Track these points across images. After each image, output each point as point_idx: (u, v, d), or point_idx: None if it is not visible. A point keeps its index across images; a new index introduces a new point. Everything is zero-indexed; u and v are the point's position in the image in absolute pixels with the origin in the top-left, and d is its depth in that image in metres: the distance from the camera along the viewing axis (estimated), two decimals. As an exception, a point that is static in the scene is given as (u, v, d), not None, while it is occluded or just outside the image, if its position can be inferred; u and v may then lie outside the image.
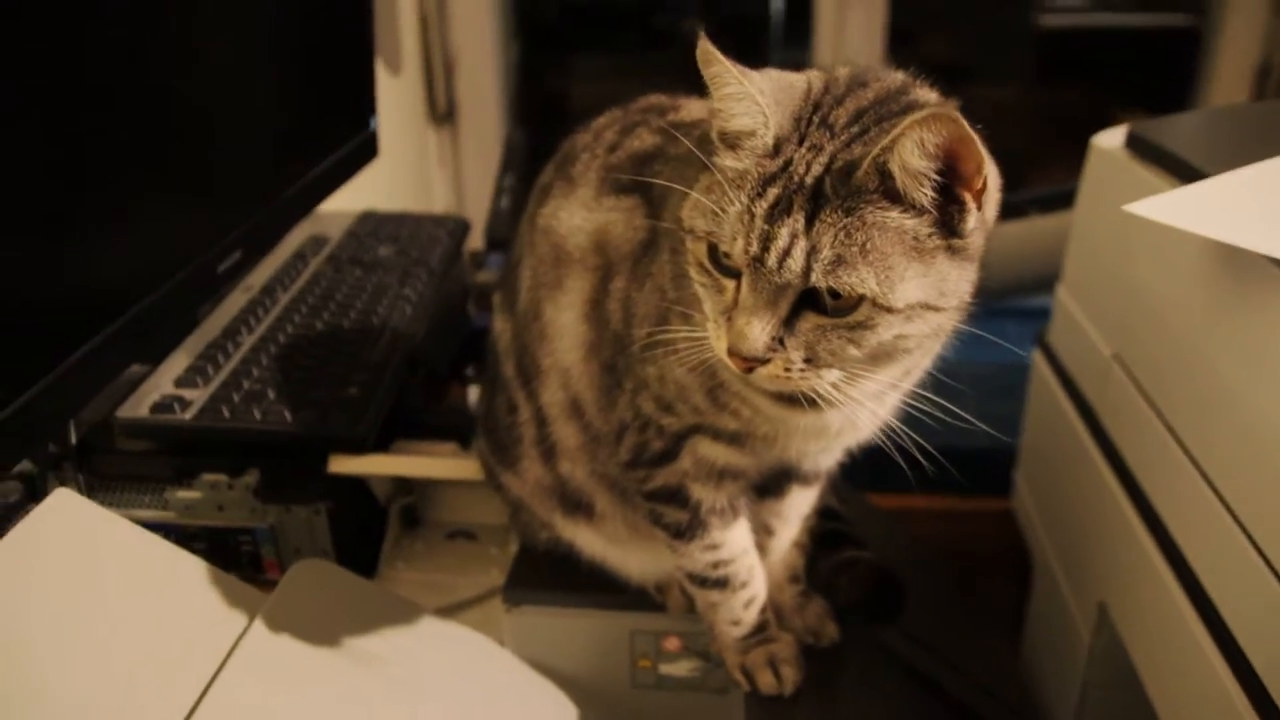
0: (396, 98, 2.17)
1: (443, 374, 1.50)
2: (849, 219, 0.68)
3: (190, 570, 1.01)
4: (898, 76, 0.76)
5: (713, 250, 0.74)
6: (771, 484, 1.01)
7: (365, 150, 1.61)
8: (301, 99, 1.45)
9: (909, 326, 0.71)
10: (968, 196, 0.69)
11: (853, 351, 0.72)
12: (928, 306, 0.71)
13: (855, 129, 0.71)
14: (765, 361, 0.72)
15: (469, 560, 1.34)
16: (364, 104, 1.60)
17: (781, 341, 0.72)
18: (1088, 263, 1.17)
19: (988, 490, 1.45)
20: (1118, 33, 2.59)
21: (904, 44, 2.35)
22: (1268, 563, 0.79)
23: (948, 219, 0.70)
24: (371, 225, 1.64)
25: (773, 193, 0.70)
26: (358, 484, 1.29)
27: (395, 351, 1.32)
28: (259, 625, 0.98)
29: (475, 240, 1.80)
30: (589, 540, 1.07)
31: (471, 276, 1.72)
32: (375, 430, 1.20)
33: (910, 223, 0.69)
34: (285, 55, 1.38)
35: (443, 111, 2.40)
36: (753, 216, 0.71)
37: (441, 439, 1.35)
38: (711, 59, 0.71)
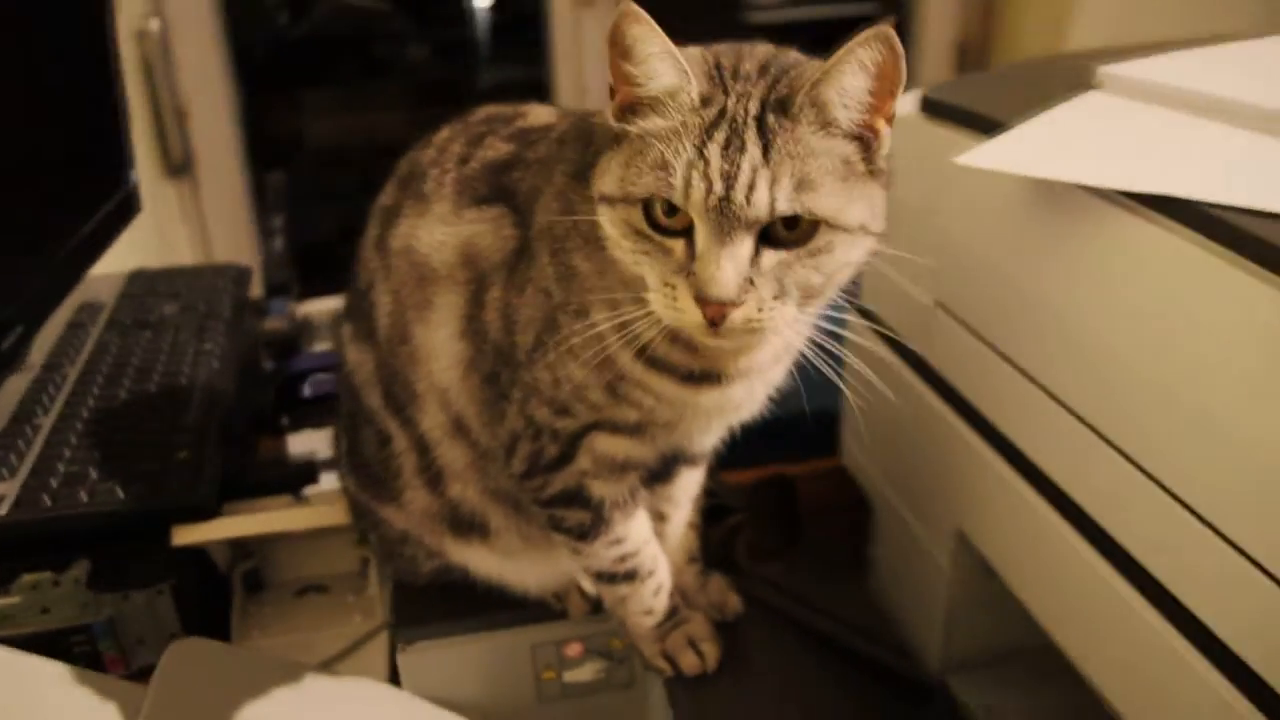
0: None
1: (255, 425, 1.43)
2: (798, 146, 0.71)
3: (54, 678, 0.92)
4: (762, 45, 0.80)
5: (648, 213, 0.74)
6: (660, 470, 1.02)
7: (128, 206, 1.50)
8: (53, 156, 1.33)
9: (853, 250, 0.75)
10: (882, 122, 0.74)
11: (816, 279, 0.75)
12: (865, 229, 0.75)
13: (769, 76, 0.74)
14: (738, 305, 0.72)
15: (326, 613, 1.28)
16: (121, 157, 1.50)
17: (751, 281, 0.72)
18: (892, 227, 1.26)
19: (815, 453, 1.52)
20: (821, 24, 2.78)
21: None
22: (1113, 446, 0.89)
23: (868, 144, 0.74)
24: (145, 284, 1.53)
25: (720, 135, 0.71)
26: (198, 556, 1.21)
27: (213, 409, 1.25)
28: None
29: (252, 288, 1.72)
30: (483, 560, 1.05)
31: (256, 325, 1.64)
32: (216, 492, 1.13)
33: (845, 147, 0.73)
34: (29, 110, 1.27)
35: (179, 163, 2.26)
36: (706, 161, 0.71)
37: (271, 494, 1.28)
38: (639, 18, 0.71)
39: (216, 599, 1.26)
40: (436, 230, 0.93)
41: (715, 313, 0.72)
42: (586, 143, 0.85)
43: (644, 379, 0.85)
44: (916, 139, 1.17)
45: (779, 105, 0.72)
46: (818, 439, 1.52)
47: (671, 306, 0.74)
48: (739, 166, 0.70)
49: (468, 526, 1.02)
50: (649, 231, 0.74)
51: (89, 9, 1.44)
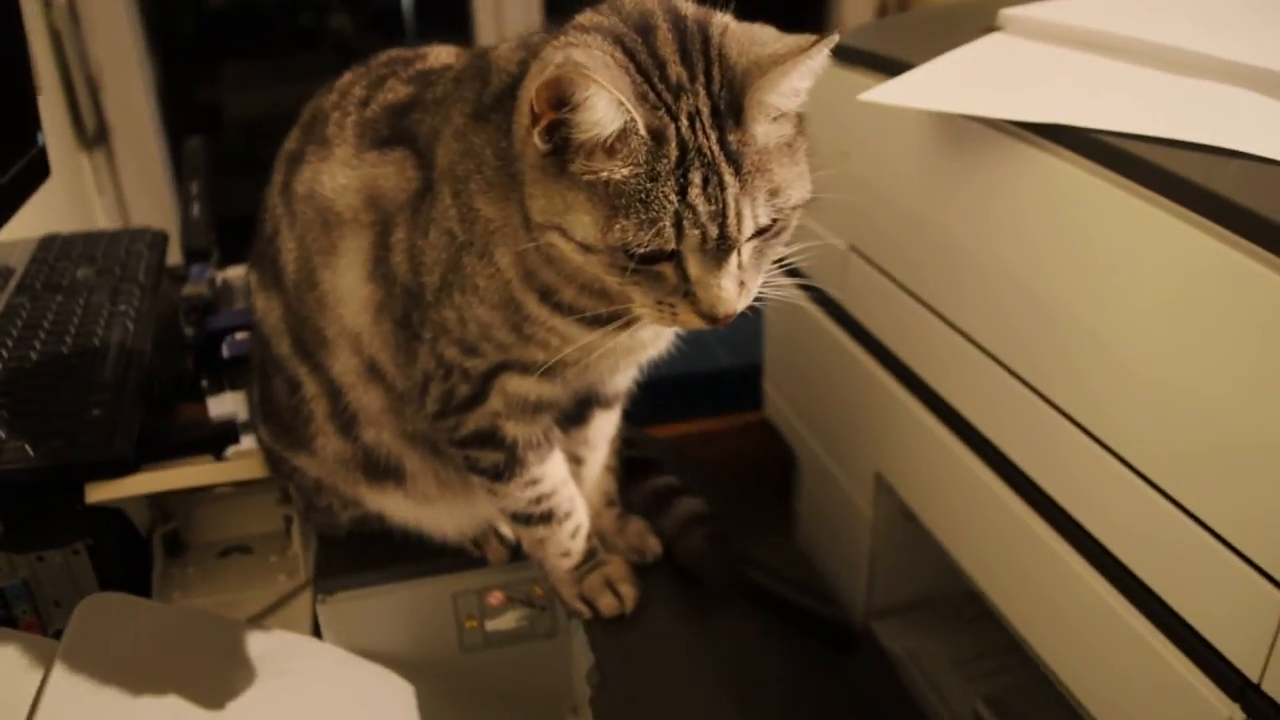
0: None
1: (173, 389, 1.41)
2: (760, 155, 0.71)
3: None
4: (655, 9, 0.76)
5: (628, 252, 0.72)
6: (574, 413, 1.03)
7: (37, 169, 1.46)
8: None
9: (800, 209, 0.76)
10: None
11: (781, 249, 0.78)
12: (808, 189, 0.76)
13: (701, 72, 0.72)
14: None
15: (250, 574, 1.27)
16: (27, 118, 1.46)
17: (743, 282, 0.74)
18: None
19: (741, 407, 1.54)
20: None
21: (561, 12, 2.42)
22: (1023, 381, 0.92)
23: (800, 115, 0.76)
24: (58, 249, 1.50)
25: (696, 175, 0.70)
26: (116, 516, 1.19)
27: (129, 368, 1.22)
28: (59, 672, 0.89)
29: (171, 255, 1.69)
30: (399, 505, 1.05)
31: (175, 291, 1.62)
32: (131, 447, 1.11)
33: (786, 127, 0.74)
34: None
35: (93, 134, 2.21)
36: (693, 208, 0.70)
37: (192, 456, 1.26)
38: (586, 81, 0.67)
39: (137, 561, 1.24)
40: (339, 174, 0.92)
41: (723, 323, 0.74)
42: (484, 81, 0.85)
43: (551, 322, 0.85)
44: (827, 84, 1.17)
45: (731, 113, 0.71)
46: (740, 394, 1.54)
47: (671, 319, 0.76)
48: (724, 204, 0.70)
49: (382, 471, 1.02)
50: (636, 266, 0.73)
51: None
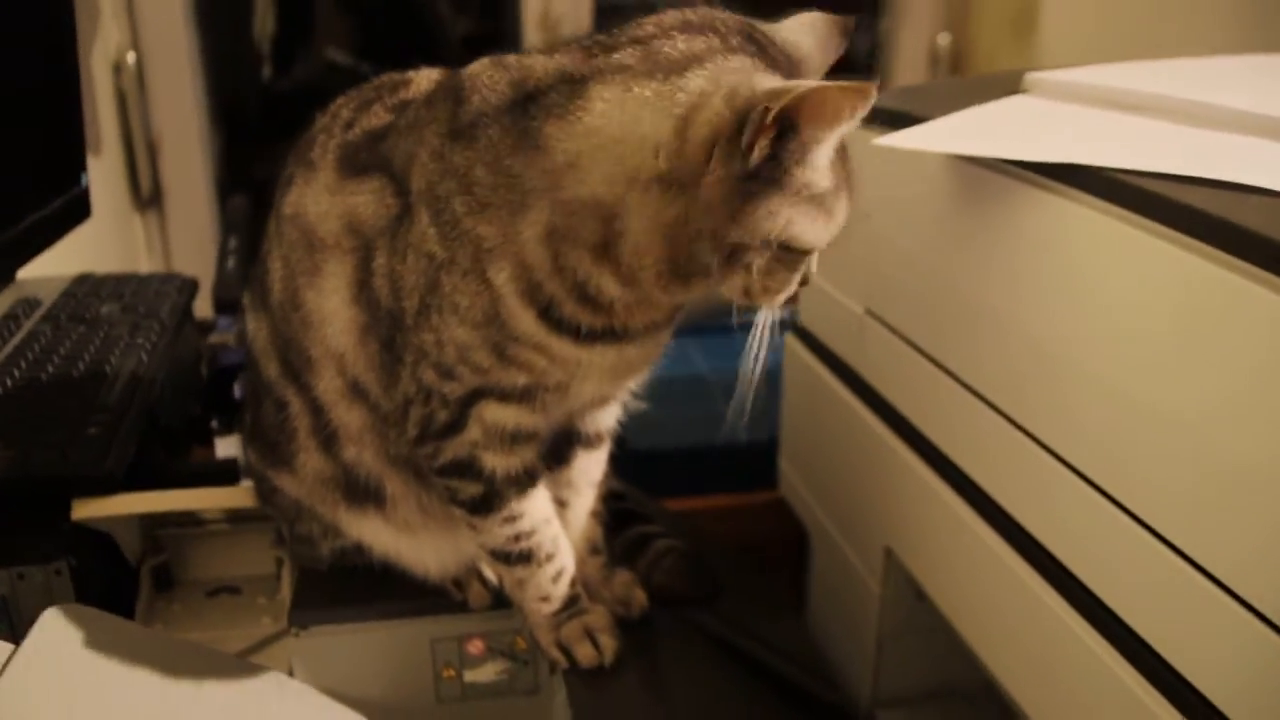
0: (98, 182, 2.04)
1: (184, 427, 1.40)
2: None
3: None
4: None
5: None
6: (556, 452, 1.00)
7: (77, 208, 1.50)
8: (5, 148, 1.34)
9: None
10: None
11: None
12: None
13: None
14: None
15: (236, 614, 1.24)
16: (73, 157, 1.50)
17: None
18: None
19: (756, 485, 1.50)
20: None
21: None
22: (1050, 451, 0.85)
23: None
24: (90, 286, 1.52)
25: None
26: (104, 541, 1.17)
27: (135, 394, 1.22)
28: (9, 677, 0.86)
29: (203, 309, 1.71)
30: (379, 532, 1.02)
31: (201, 339, 1.64)
32: (123, 467, 1.10)
33: None
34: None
35: (148, 196, 2.28)
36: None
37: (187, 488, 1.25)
38: (865, 102, 0.74)
39: (122, 591, 1.22)
40: (322, 199, 0.93)
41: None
42: (457, 100, 0.85)
43: (543, 340, 0.84)
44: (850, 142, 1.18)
45: None
46: (757, 471, 1.50)
47: (765, 296, 0.83)
48: None
49: (363, 493, 1.00)
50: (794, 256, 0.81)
51: (57, 24, 1.46)
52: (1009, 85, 1.07)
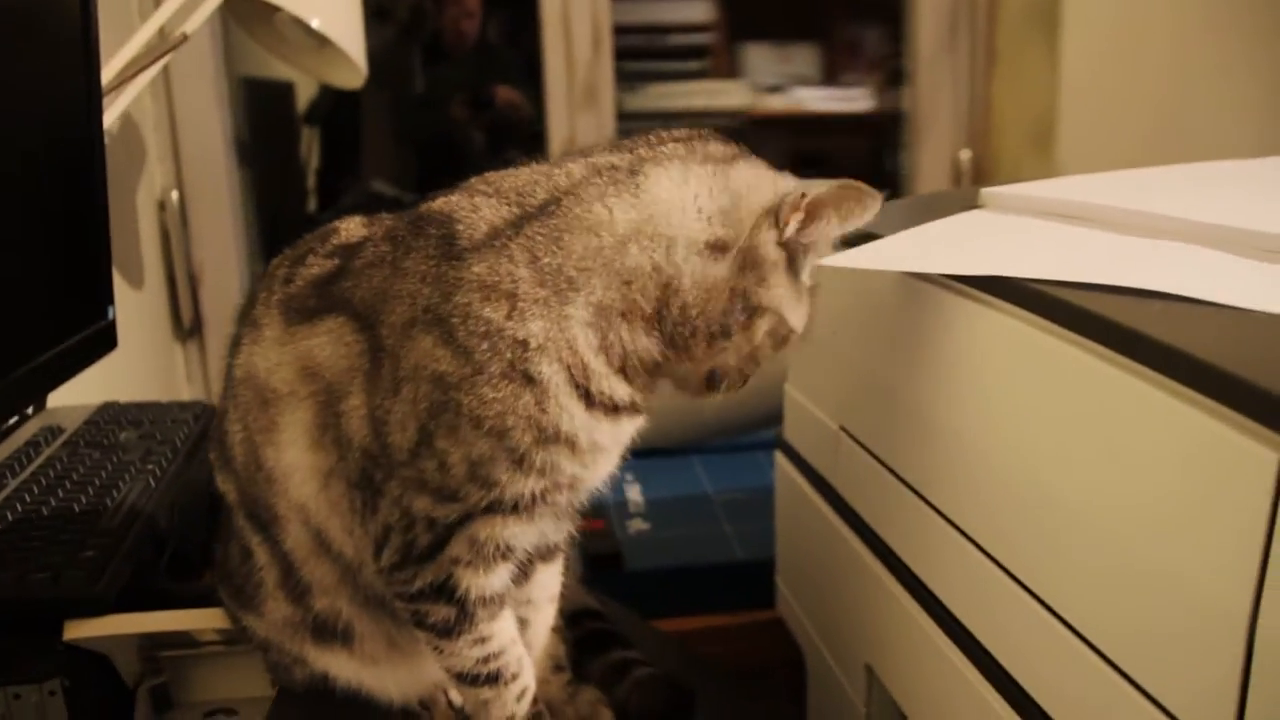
0: (139, 314, 2.14)
1: (192, 553, 1.44)
2: None
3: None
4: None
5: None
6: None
7: (103, 340, 1.57)
8: (25, 275, 1.41)
9: None
10: None
11: None
12: None
13: None
14: None
15: (230, 736, 1.25)
16: (100, 291, 1.57)
17: None
18: (806, 353, 1.27)
19: (753, 604, 1.49)
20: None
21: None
22: (1012, 577, 0.85)
23: None
24: (113, 414, 1.59)
25: None
26: (100, 661, 1.20)
27: (136, 520, 1.26)
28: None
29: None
30: (344, 666, 1.03)
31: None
32: (115, 590, 1.13)
33: None
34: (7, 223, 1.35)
35: (189, 327, 2.37)
36: None
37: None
38: (875, 201, 0.89)
39: (118, 712, 1.24)
40: (271, 353, 0.94)
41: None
42: (445, 233, 0.87)
43: (584, 424, 0.86)
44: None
45: None
46: (756, 590, 1.49)
47: (752, 365, 0.92)
48: None
49: (331, 634, 1.00)
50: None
51: (88, 167, 1.55)
52: (967, 201, 1.09)
